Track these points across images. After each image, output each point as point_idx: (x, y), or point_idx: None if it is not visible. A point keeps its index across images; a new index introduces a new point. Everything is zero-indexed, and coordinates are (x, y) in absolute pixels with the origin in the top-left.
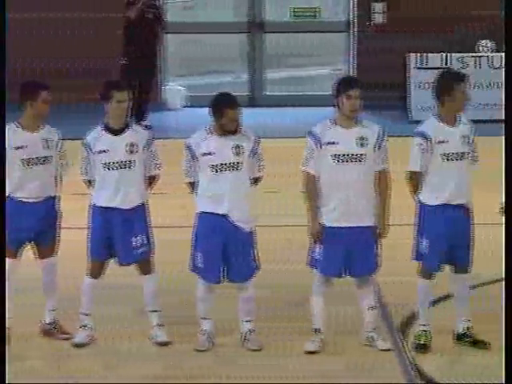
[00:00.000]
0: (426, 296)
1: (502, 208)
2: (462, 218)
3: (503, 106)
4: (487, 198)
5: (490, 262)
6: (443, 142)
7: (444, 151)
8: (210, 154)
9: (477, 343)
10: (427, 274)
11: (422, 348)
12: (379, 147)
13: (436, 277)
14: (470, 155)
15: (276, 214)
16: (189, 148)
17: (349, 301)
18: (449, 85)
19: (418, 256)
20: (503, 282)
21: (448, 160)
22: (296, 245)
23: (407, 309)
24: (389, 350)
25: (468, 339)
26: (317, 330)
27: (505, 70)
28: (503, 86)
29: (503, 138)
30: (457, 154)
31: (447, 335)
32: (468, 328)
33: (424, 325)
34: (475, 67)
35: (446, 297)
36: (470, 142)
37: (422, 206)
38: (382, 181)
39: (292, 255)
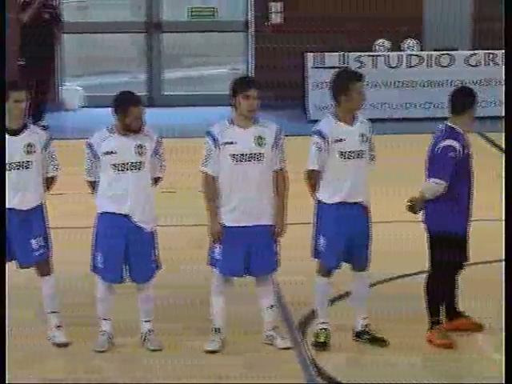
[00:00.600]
0: (325, 294)
1: (409, 205)
2: (359, 216)
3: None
4: (385, 197)
5: (385, 261)
6: (340, 140)
7: (341, 150)
8: (111, 153)
9: (376, 341)
10: (325, 271)
11: (322, 346)
12: (276, 146)
13: (333, 275)
14: (367, 154)
15: (174, 214)
16: (90, 147)
17: (248, 300)
18: (345, 84)
19: (316, 254)
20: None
21: (345, 158)
22: (195, 244)
23: (306, 307)
24: (288, 348)
25: (367, 336)
26: (217, 330)
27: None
28: (403, 85)
29: (402, 136)
30: (354, 152)
31: (346, 333)
32: (366, 325)
33: (323, 323)
34: (372, 67)
35: (342, 296)
36: (368, 140)
37: (320, 205)
38: (279, 180)
39: (191, 255)
